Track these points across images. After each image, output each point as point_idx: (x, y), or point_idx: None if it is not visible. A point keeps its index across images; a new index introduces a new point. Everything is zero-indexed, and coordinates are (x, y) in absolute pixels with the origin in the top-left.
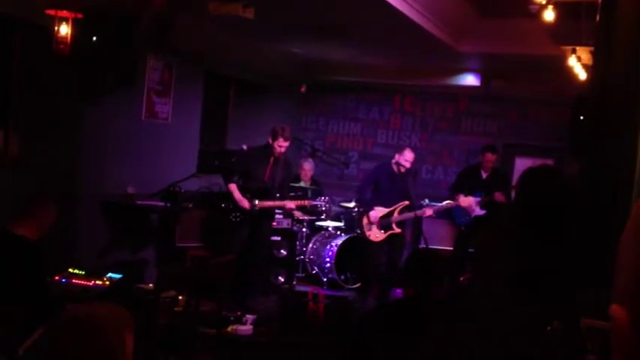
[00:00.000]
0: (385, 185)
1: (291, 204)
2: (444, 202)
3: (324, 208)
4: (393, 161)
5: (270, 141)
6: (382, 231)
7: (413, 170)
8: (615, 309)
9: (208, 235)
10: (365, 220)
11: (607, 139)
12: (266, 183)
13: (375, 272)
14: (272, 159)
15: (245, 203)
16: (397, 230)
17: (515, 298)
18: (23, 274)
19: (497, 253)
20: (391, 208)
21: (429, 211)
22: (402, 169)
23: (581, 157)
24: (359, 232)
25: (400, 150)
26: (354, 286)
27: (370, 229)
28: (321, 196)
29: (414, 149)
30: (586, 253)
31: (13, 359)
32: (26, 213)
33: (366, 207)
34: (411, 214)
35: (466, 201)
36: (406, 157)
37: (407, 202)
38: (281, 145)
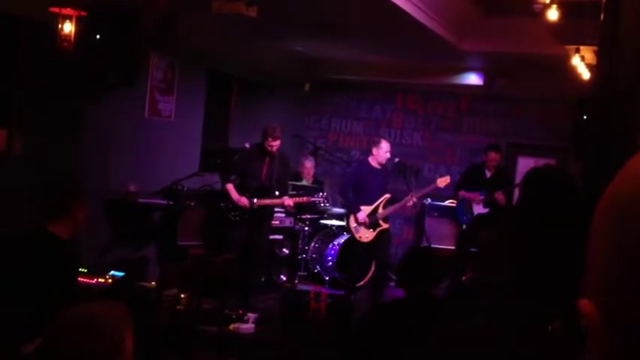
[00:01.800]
0: (368, 183)
1: (289, 201)
2: (429, 187)
3: (322, 205)
4: (370, 157)
5: (262, 140)
6: (371, 230)
7: (415, 168)
8: (585, 304)
9: (209, 233)
10: (352, 223)
11: (610, 139)
12: (263, 182)
13: (365, 273)
14: (267, 157)
15: (244, 201)
16: (385, 226)
17: (518, 297)
18: (55, 275)
19: (501, 251)
20: (374, 205)
21: (413, 198)
22: (384, 162)
23: (585, 157)
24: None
25: (376, 143)
26: (355, 286)
27: (358, 231)
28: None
29: (416, 147)
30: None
31: (18, 358)
32: (61, 211)
33: (351, 208)
34: (395, 207)
35: (443, 181)
36: (386, 149)
37: (388, 196)
38: (271, 144)
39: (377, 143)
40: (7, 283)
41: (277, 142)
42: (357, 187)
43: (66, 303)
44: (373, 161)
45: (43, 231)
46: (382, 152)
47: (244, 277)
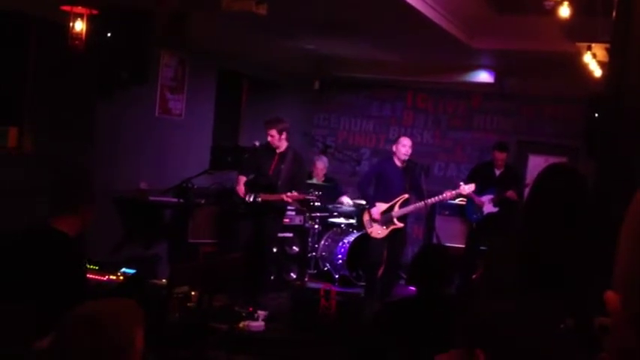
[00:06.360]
0: (389, 181)
1: (288, 198)
2: (446, 194)
3: (313, 203)
4: (394, 156)
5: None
6: (384, 227)
7: (425, 166)
8: (610, 295)
9: (220, 231)
10: (366, 217)
11: (623, 137)
12: (270, 177)
13: (377, 269)
14: (276, 154)
15: (240, 189)
16: (399, 225)
17: (530, 295)
18: (61, 271)
19: (510, 249)
20: (391, 203)
21: (429, 202)
22: (405, 159)
23: (596, 155)
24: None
25: (396, 141)
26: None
27: (372, 226)
28: (339, 194)
29: (427, 146)
30: (601, 252)
31: (27, 355)
32: (69, 209)
33: (368, 203)
34: (411, 207)
35: (466, 189)
36: (404, 144)
37: (406, 196)
38: (268, 134)
39: (397, 140)
40: (15, 279)
41: (272, 132)
42: (378, 183)
43: (74, 300)
44: (396, 160)
45: (49, 227)
46: (401, 147)
47: (254, 274)
